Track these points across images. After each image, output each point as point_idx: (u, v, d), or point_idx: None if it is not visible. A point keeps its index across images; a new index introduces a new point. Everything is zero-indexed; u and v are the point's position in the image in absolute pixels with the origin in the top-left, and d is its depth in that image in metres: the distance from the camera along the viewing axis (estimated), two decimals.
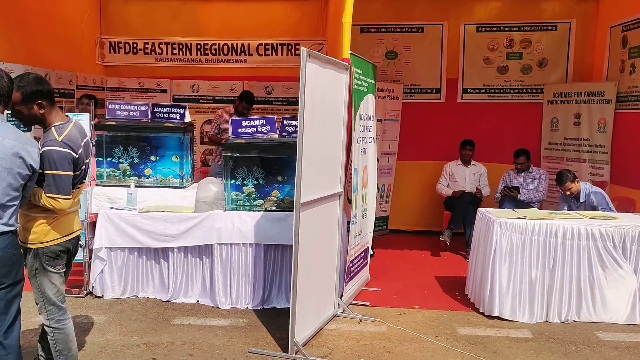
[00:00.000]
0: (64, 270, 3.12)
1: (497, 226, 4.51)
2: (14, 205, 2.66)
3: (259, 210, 4.73)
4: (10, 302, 2.69)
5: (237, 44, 7.68)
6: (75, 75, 6.83)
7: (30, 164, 2.69)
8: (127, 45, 7.79)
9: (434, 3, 7.30)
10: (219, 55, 7.73)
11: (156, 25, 7.76)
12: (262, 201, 4.77)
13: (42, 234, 2.95)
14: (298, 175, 3.60)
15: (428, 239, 7.07)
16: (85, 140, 3.09)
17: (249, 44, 7.67)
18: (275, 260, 4.71)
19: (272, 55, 7.68)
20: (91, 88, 7.38)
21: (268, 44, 7.66)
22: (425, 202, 7.52)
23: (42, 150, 2.84)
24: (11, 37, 5.55)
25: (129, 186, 5.01)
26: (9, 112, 3.11)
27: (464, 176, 6.97)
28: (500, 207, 6.24)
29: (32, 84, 2.87)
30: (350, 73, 4.45)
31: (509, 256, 4.49)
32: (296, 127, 4.72)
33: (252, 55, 7.70)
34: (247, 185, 4.78)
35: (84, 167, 3.08)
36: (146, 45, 7.78)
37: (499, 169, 6.99)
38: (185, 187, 5.31)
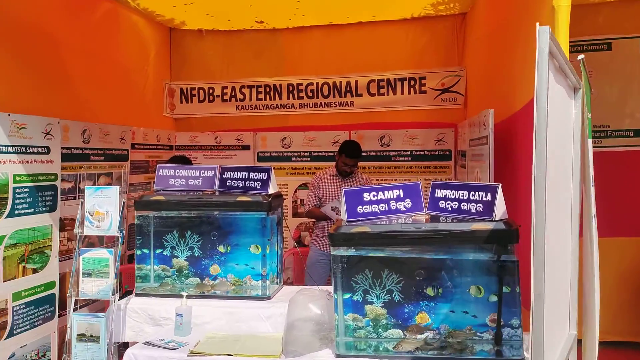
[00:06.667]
0: None
1: None
2: None
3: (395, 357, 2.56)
4: None
5: (340, 82, 6.02)
6: (131, 130, 5.18)
7: None
8: (201, 91, 6.27)
9: None
10: (318, 97, 6.07)
11: (237, 65, 6.28)
12: (404, 335, 2.61)
13: None
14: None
15: None
16: None
17: (356, 81, 5.96)
18: None
19: (388, 94, 5.92)
20: (154, 147, 5.75)
21: (382, 80, 5.91)
22: None
23: None
24: (30, 83, 4.00)
25: (182, 296, 3.11)
26: None
27: None
28: None
29: None
30: (583, 93, 2.31)
31: None
32: (458, 201, 2.66)
33: (360, 95, 5.99)
34: (372, 304, 2.65)
35: None
36: (225, 91, 6.26)
37: None
38: (269, 298, 3.31)
